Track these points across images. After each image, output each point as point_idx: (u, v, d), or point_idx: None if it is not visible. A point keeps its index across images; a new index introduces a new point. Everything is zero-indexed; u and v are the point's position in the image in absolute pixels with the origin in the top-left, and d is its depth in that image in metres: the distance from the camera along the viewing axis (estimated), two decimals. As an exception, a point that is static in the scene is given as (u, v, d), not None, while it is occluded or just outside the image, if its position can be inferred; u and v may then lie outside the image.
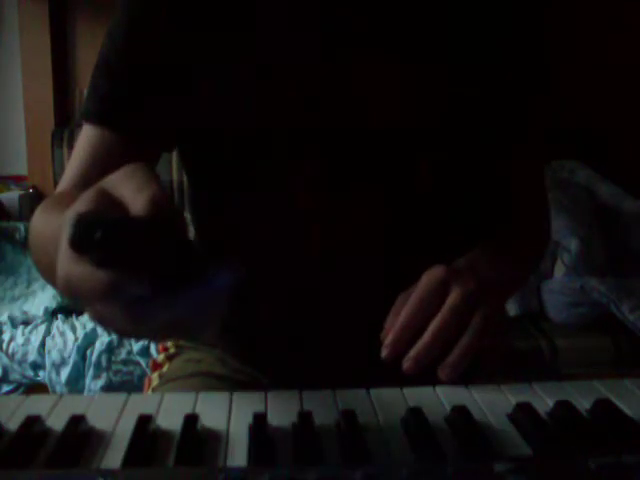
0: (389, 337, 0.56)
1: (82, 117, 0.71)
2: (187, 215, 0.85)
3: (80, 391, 1.68)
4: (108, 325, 0.38)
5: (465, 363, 0.55)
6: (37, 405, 0.53)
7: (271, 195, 0.71)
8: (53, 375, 1.70)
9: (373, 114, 0.69)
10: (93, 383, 1.68)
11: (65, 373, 1.69)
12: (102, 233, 0.33)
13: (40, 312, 1.84)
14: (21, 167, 2.35)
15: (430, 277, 0.58)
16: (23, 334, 1.76)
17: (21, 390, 1.72)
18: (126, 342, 1.74)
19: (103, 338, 1.73)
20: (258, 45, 0.68)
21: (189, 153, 0.78)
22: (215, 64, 0.69)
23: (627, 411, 0.51)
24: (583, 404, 0.53)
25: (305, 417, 0.49)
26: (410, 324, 0.56)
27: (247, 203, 0.73)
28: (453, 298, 0.56)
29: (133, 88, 0.69)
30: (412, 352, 0.54)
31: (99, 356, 1.70)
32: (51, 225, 0.56)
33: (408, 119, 0.70)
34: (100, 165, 0.69)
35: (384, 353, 0.55)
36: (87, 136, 0.71)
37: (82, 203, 0.38)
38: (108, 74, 0.70)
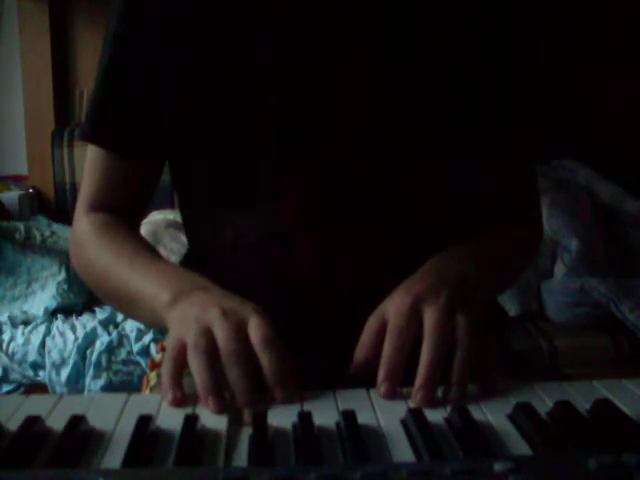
0: (382, 375, 0.55)
1: (78, 137, 0.75)
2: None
3: (80, 391, 1.68)
4: None
5: (469, 378, 0.55)
6: (37, 405, 0.53)
7: (256, 201, 0.73)
8: (53, 375, 1.70)
9: (358, 115, 0.69)
10: (93, 383, 1.68)
11: (65, 373, 1.69)
12: None
13: (40, 312, 1.83)
14: (21, 167, 2.35)
15: (397, 307, 0.58)
16: (23, 334, 1.76)
17: (21, 390, 1.72)
18: (126, 342, 1.74)
19: (103, 338, 1.73)
20: (236, 48, 0.69)
21: (174, 162, 0.79)
22: (195, 70, 0.70)
23: (627, 411, 0.51)
24: (583, 404, 0.53)
25: (305, 417, 0.49)
26: (398, 359, 0.56)
27: (233, 213, 0.74)
28: (429, 321, 0.57)
29: (114, 104, 0.73)
30: (418, 386, 0.54)
31: (99, 356, 1.70)
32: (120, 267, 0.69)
33: (393, 119, 0.70)
34: (108, 185, 0.76)
35: (382, 391, 0.55)
36: (90, 154, 0.76)
37: None
38: (96, 93, 0.74)
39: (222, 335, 0.55)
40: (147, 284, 0.66)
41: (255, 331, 0.56)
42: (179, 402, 0.54)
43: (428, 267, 0.65)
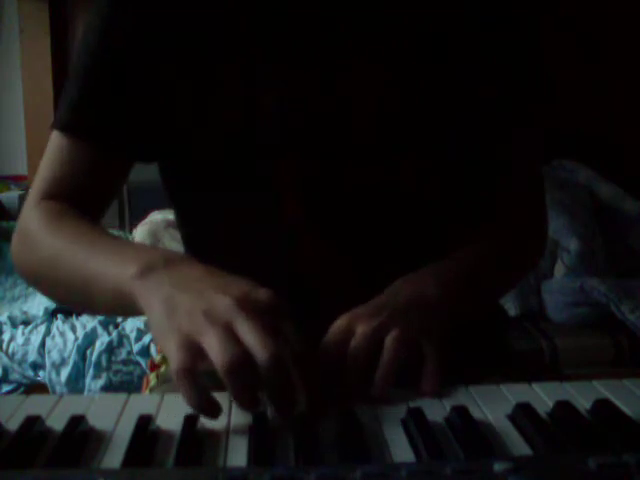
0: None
1: (54, 125, 0.70)
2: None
3: (80, 391, 1.68)
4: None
5: (391, 379, 0.55)
6: (37, 405, 0.53)
7: (257, 201, 0.72)
8: (53, 375, 1.70)
9: (357, 116, 0.69)
10: (93, 383, 1.68)
11: (65, 373, 1.69)
12: None
13: (40, 312, 1.84)
14: (21, 167, 2.35)
15: (333, 327, 0.59)
16: (23, 334, 1.76)
17: (21, 390, 1.72)
18: (126, 342, 1.74)
19: (103, 338, 1.74)
20: (240, 48, 0.68)
21: (167, 164, 0.77)
22: (191, 69, 0.69)
23: (627, 411, 0.51)
24: (583, 404, 0.53)
25: (305, 417, 0.49)
26: (325, 365, 0.56)
27: (231, 211, 0.73)
28: (359, 331, 0.57)
29: (99, 95, 0.69)
30: (343, 387, 0.55)
31: (99, 356, 1.70)
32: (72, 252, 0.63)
33: (393, 121, 0.70)
34: (72, 175, 0.69)
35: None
36: (57, 143, 0.70)
37: None
38: (77, 80, 0.69)
39: (259, 346, 0.47)
40: (107, 260, 0.59)
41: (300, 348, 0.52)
42: (219, 412, 0.49)
43: (389, 288, 0.64)
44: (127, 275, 0.55)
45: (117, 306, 0.58)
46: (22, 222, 0.71)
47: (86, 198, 0.70)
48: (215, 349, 0.47)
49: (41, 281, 0.69)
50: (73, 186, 0.70)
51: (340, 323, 0.59)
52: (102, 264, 0.59)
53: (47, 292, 0.71)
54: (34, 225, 0.68)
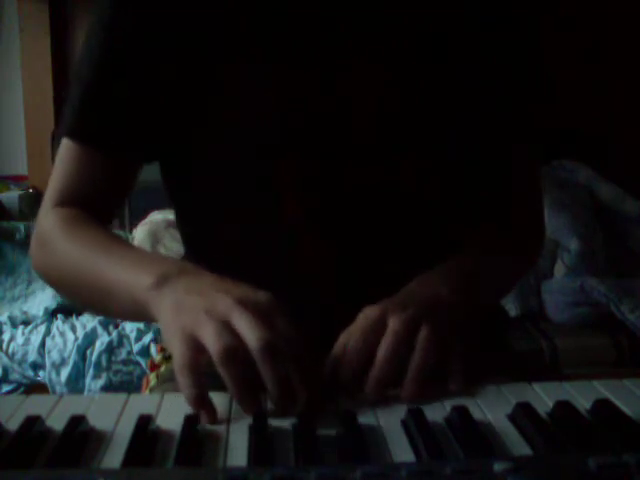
0: (343, 374, 0.56)
1: (60, 131, 0.72)
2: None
3: (80, 391, 1.68)
4: None
5: (422, 379, 0.55)
6: (37, 405, 0.53)
7: (257, 201, 0.72)
8: (53, 375, 1.70)
9: (357, 116, 0.69)
10: (93, 383, 1.68)
11: (65, 373, 1.69)
12: None
13: (40, 312, 1.84)
14: (21, 167, 2.36)
15: (365, 315, 0.59)
16: (23, 334, 1.76)
17: (21, 390, 1.72)
18: (126, 342, 1.74)
19: (103, 338, 1.74)
20: (240, 48, 0.68)
21: (168, 163, 0.77)
22: (191, 69, 0.69)
23: (627, 411, 0.51)
24: (583, 404, 0.53)
25: (305, 417, 0.49)
26: (359, 361, 0.56)
27: (231, 211, 0.74)
28: (392, 324, 0.57)
29: (102, 99, 0.69)
30: (370, 380, 0.55)
31: (99, 356, 1.70)
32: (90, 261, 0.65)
33: (393, 121, 0.70)
34: (82, 180, 0.71)
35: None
36: (66, 149, 0.72)
37: None
38: (80, 84, 0.70)
39: (251, 333, 0.50)
40: (124, 270, 0.61)
41: (295, 345, 0.52)
42: (216, 419, 0.50)
43: (405, 289, 0.65)
44: (143, 285, 0.58)
45: (133, 313, 0.61)
46: (39, 227, 0.73)
47: (97, 202, 0.72)
48: (210, 339, 0.50)
49: (59, 287, 0.73)
50: (83, 191, 0.72)
51: (372, 313, 0.59)
52: (118, 273, 0.62)
53: (68, 296, 0.75)
54: (51, 232, 0.70)
